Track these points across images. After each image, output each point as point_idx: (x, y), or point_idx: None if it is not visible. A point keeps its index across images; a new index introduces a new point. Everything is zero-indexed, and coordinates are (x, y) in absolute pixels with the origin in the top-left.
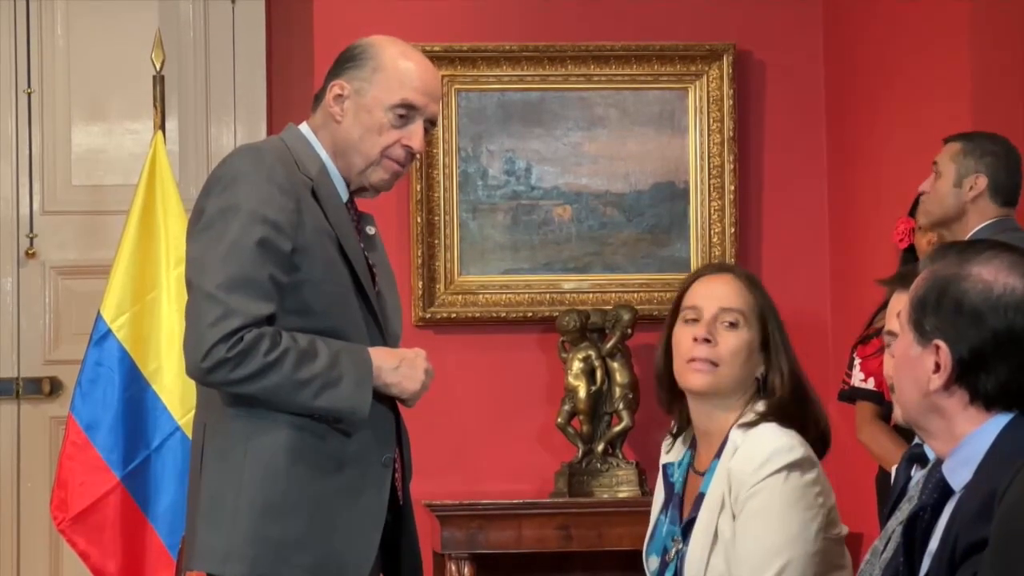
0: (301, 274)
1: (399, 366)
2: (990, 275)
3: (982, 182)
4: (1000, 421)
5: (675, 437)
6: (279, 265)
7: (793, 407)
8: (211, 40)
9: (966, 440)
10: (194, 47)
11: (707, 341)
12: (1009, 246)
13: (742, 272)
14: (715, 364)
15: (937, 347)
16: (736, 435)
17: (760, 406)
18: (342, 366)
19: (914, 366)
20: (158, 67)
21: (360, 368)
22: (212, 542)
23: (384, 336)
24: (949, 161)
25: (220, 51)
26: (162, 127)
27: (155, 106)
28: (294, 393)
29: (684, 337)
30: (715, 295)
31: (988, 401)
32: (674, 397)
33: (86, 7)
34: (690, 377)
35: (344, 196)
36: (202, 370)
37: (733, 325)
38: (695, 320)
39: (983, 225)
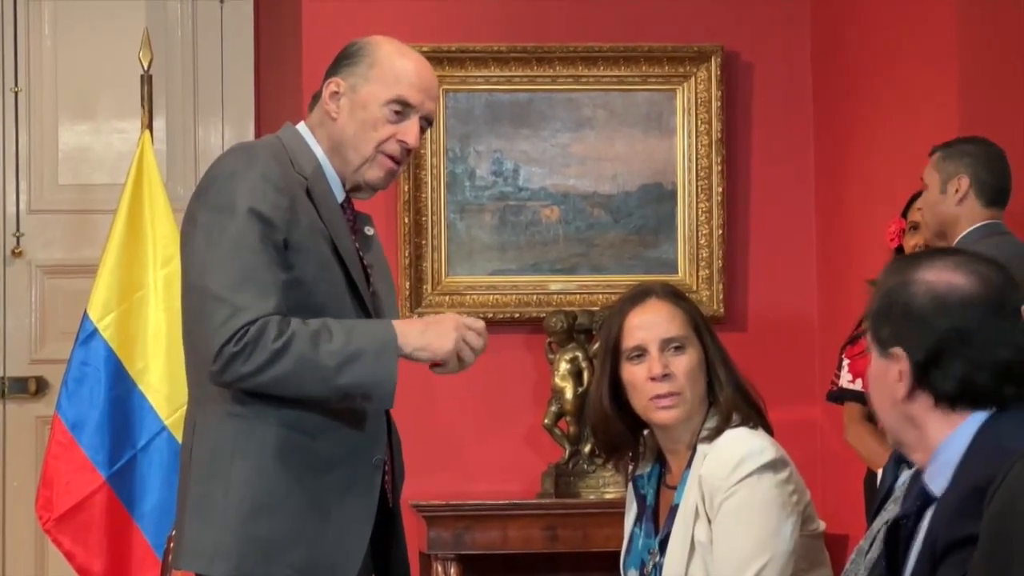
0: (295, 272)
1: (427, 329)
2: (934, 276)
3: (964, 182)
4: (973, 424)
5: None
6: (279, 262)
7: (743, 404)
8: (199, 39)
9: (942, 447)
10: (182, 46)
11: (665, 376)
12: (958, 250)
13: (661, 288)
14: (678, 394)
15: (896, 355)
16: (703, 447)
17: (714, 419)
18: (360, 339)
19: (882, 379)
20: (146, 66)
21: (380, 336)
22: (200, 540)
23: None
24: (932, 171)
25: (208, 50)
26: (150, 126)
27: (143, 105)
28: (313, 375)
29: (638, 376)
30: (651, 327)
31: (951, 400)
32: (630, 429)
33: (74, 6)
34: (660, 415)
35: (340, 196)
36: (214, 373)
37: (679, 349)
38: (640, 356)
39: (971, 229)
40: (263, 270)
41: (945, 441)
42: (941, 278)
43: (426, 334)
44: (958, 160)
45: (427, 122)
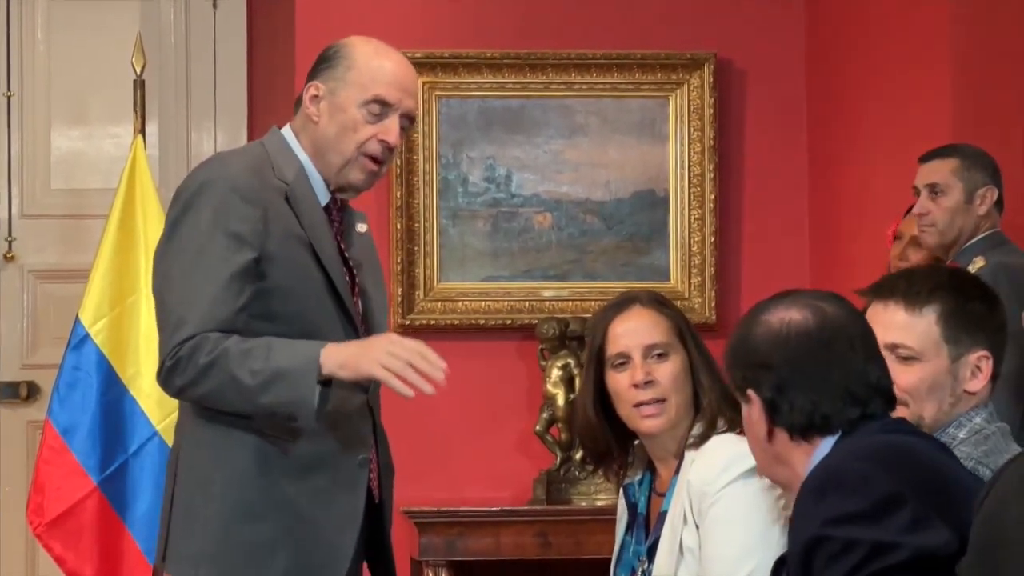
0: (269, 281)
1: (351, 348)
2: (774, 316)
3: (994, 194)
4: (825, 448)
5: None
6: (240, 275)
7: (728, 409)
8: (192, 44)
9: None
10: (175, 51)
11: (648, 383)
12: (802, 291)
13: (645, 296)
14: (662, 400)
15: (750, 397)
16: (691, 453)
17: (700, 426)
18: (284, 359)
19: (748, 423)
20: (139, 71)
21: (305, 357)
22: (185, 547)
23: (365, 337)
24: (953, 178)
25: (201, 55)
26: (142, 131)
27: (135, 110)
28: (238, 393)
29: (622, 384)
30: (634, 334)
31: (803, 431)
32: (618, 438)
33: (67, 10)
34: (644, 423)
35: (324, 198)
36: (160, 385)
37: (662, 356)
38: (623, 364)
39: (976, 239)
40: (216, 286)
41: (806, 470)
42: (778, 316)
43: (348, 353)
44: (982, 171)
45: (408, 120)
